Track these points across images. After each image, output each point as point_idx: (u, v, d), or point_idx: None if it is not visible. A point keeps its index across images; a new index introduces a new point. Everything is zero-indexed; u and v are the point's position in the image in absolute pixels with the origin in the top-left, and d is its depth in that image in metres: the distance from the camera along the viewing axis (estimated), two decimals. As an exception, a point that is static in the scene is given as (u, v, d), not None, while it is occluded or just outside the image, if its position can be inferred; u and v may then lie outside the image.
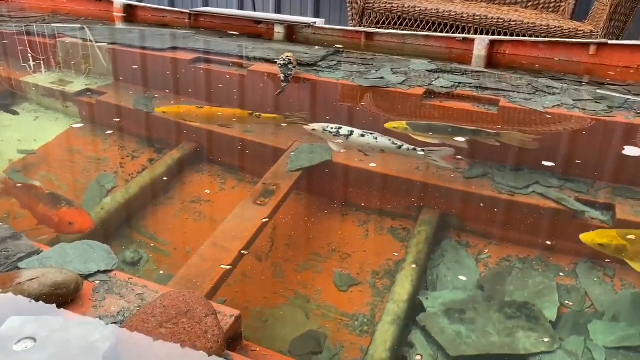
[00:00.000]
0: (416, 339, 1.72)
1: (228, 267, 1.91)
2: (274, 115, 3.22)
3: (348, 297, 2.04)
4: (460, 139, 2.80)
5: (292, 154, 2.72)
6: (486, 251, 2.19)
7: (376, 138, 2.69)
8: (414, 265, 2.03)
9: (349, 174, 2.71)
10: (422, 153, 2.64)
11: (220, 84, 3.80)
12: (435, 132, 2.96)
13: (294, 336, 1.84)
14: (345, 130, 2.72)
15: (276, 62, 3.69)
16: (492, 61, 4.30)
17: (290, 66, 3.58)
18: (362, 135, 2.69)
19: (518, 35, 4.73)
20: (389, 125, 2.93)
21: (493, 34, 4.79)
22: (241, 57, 4.18)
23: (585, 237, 1.98)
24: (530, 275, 1.99)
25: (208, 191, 2.70)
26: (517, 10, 5.28)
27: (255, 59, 4.03)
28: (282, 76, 3.49)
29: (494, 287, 1.92)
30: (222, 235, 2.10)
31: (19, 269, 1.35)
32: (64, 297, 1.23)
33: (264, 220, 2.22)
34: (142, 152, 2.96)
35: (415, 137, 2.84)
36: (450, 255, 2.14)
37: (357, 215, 2.51)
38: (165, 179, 2.69)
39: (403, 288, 1.91)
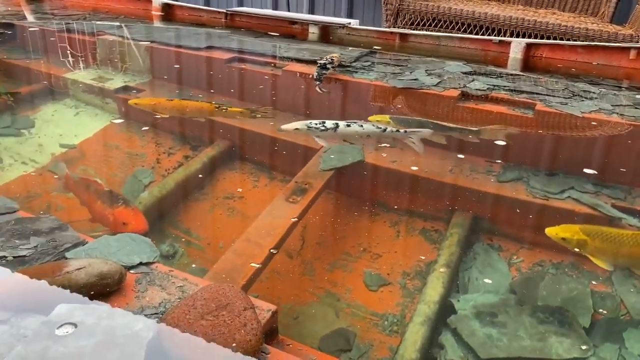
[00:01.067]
0: (446, 341, 1.73)
1: (259, 266, 1.94)
2: (241, 109, 3.29)
3: (378, 296, 2.06)
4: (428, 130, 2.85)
5: (325, 153, 2.75)
6: (518, 255, 2.18)
7: (362, 126, 2.74)
8: (445, 267, 2.04)
9: (381, 174, 2.72)
10: (403, 133, 2.74)
11: (255, 83, 3.85)
12: (416, 126, 3.02)
13: (324, 333, 1.87)
14: (330, 123, 2.73)
15: (317, 61, 3.74)
16: (528, 64, 4.24)
17: (328, 66, 3.62)
18: (348, 125, 2.72)
19: (555, 38, 4.65)
20: (372, 118, 3.03)
21: (529, 37, 4.73)
22: (276, 57, 4.23)
23: (550, 231, 2.01)
24: (563, 280, 1.97)
25: (240, 189, 2.75)
26: (554, 13, 5.20)
27: (289, 59, 4.07)
28: (315, 74, 3.52)
29: (526, 292, 1.91)
30: (255, 232, 2.13)
31: (66, 258, 1.41)
32: (108, 286, 1.28)
33: (294, 220, 2.24)
34: (178, 149, 3.02)
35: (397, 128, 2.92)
36: (482, 258, 2.14)
37: (389, 215, 2.52)
38: (200, 175, 2.75)
39: (434, 289, 1.92)
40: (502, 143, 2.88)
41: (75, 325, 1.15)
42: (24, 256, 1.41)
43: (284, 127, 2.75)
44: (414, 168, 2.68)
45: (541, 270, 2.08)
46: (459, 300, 1.88)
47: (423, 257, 2.21)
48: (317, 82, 3.45)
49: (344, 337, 1.87)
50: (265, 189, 2.78)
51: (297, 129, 2.73)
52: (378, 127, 2.78)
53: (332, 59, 3.68)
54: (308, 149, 2.84)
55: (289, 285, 2.17)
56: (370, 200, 2.66)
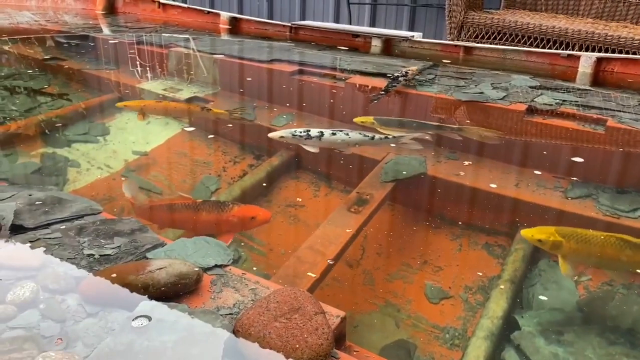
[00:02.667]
0: (510, 357, 1.71)
1: (318, 275, 1.97)
2: (223, 110, 3.44)
3: (439, 309, 2.06)
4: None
5: (386, 164, 2.77)
6: (586, 273, 2.12)
7: (347, 134, 2.73)
8: (509, 283, 2.02)
9: (443, 187, 2.71)
10: (392, 139, 2.77)
11: (319, 95, 3.92)
12: (399, 126, 3.08)
13: (384, 343, 1.88)
14: (315, 132, 2.74)
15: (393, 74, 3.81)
16: (598, 79, 4.12)
17: (400, 78, 3.64)
18: (334, 134, 2.72)
19: (627, 52, 4.50)
20: (357, 119, 3.06)
21: (599, 51, 4.60)
22: (339, 69, 4.30)
23: (526, 233, 1.97)
24: (635, 301, 1.91)
25: (301, 198, 2.81)
26: (626, 27, 5.02)
27: (352, 71, 4.13)
28: (385, 85, 3.56)
29: (595, 311, 1.87)
30: (318, 240, 2.17)
31: (147, 258, 1.50)
32: (187, 286, 1.36)
33: (355, 230, 2.26)
34: (243, 157, 3.12)
35: (381, 130, 2.94)
36: (548, 275, 2.10)
37: (451, 229, 2.51)
38: (264, 184, 2.83)
39: (498, 304, 1.90)
40: (493, 143, 2.97)
41: (149, 318, 1.23)
42: (109, 255, 1.51)
43: (270, 135, 2.81)
44: (477, 181, 2.66)
45: (611, 289, 2.02)
46: (522, 317, 1.86)
47: (485, 272, 2.20)
48: (382, 93, 3.47)
49: (405, 349, 1.88)
50: (326, 199, 2.83)
51: (282, 136, 2.78)
52: (365, 135, 2.76)
53: (406, 72, 3.70)
54: (369, 160, 2.87)
55: (349, 294, 2.20)
56: (431, 213, 2.66)
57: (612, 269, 1.98)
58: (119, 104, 3.53)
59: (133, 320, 1.24)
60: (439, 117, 3.39)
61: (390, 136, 2.80)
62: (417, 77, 3.87)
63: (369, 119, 3.09)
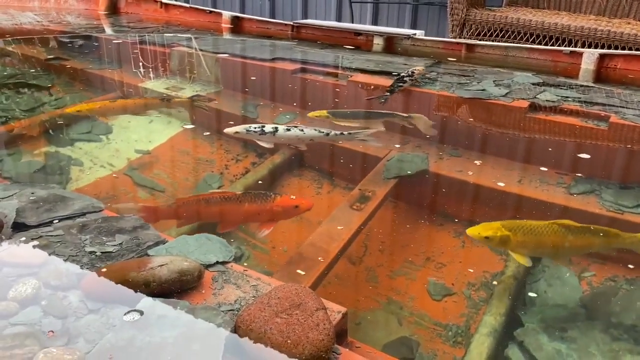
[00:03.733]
0: (513, 354, 1.70)
1: (322, 271, 1.98)
2: (184, 99, 3.47)
3: (442, 306, 2.05)
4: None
5: (388, 162, 2.76)
6: (590, 269, 2.11)
7: (302, 130, 2.74)
8: (512, 279, 2.01)
9: (445, 184, 2.71)
10: (347, 135, 2.76)
11: (321, 93, 3.92)
12: (353, 117, 3.11)
13: (387, 340, 1.88)
14: (269, 127, 2.75)
15: (392, 73, 3.81)
16: (601, 76, 4.11)
17: (406, 78, 3.63)
18: (288, 130, 2.73)
19: (630, 49, 4.48)
20: (311, 114, 3.08)
21: (602, 47, 4.58)
22: (341, 67, 4.29)
23: (472, 231, 1.95)
24: (639, 297, 1.90)
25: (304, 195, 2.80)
26: (629, 23, 5.00)
27: (354, 69, 4.12)
28: (391, 85, 3.55)
29: (598, 307, 1.86)
30: (320, 237, 2.17)
31: (149, 255, 1.50)
32: (188, 283, 1.36)
33: (357, 227, 2.27)
34: (246, 155, 3.12)
35: (336, 123, 2.97)
36: (551, 271, 2.09)
37: (453, 225, 2.51)
38: (262, 182, 2.81)
39: (501, 301, 1.90)
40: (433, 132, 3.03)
41: (141, 312, 1.25)
42: (111, 252, 1.51)
43: (226, 130, 2.82)
44: (479, 178, 2.66)
45: (614, 285, 2.01)
46: (525, 313, 1.85)
47: (489, 268, 2.19)
48: (387, 93, 3.46)
49: (407, 346, 1.87)
50: (328, 196, 2.82)
51: (237, 132, 2.79)
52: (321, 131, 2.76)
53: (412, 72, 3.69)
54: (371, 157, 2.86)
55: (352, 291, 2.19)
56: (433, 210, 2.65)
57: (558, 256, 1.99)
58: (70, 109, 3.38)
59: (125, 314, 1.25)
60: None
61: (346, 132, 2.80)
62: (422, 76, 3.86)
63: (323, 112, 3.12)
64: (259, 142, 2.76)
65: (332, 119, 3.03)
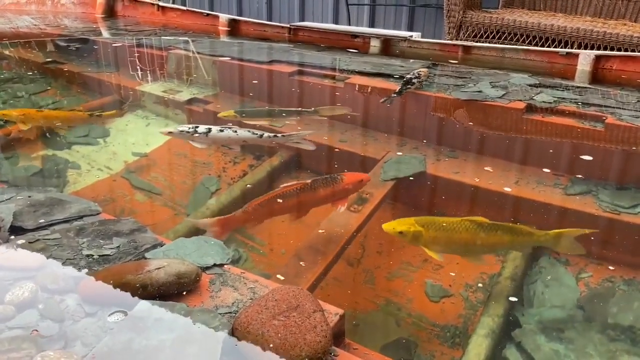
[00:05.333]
0: (511, 354, 1.71)
1: (320, 273, 1.98)
2: (113, 112, 3.46)
3: (440, 307, 2.05)
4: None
5: (386, 163, 2.77)
6: (587, 270, 2.12)
7: (236, 131, 2.74)
8: (510, 280, 2.01)
9: (442, 185, 2.71)
10: (281, 137, 2.78)
11: (318, 95, 3.93)
12: (260, 115, 3.19)
13: (384, 342, 1.88)
14: (202, 128, 2.75)
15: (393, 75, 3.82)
16: (597, 77, 4.12)
17: (414, 80, 3.62)
18: (221, 131, 2.73)
19: (626, 50, 4.50)
20: (220, 115, 3.12)
21: (598, 49, 4.59)
22: (338, 70, 4.30)
23: (387, 227, 1.96)
24: (636, 297, 1.90)
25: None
26: (625, 24, 5.02)
27: (351, 71, 4.13)
28: (399, 87, 3.55)
29: (596, 308, 1.86)
30: (317, 239, 2.18)
31: (146, 258, 1.50)
32: (185, 285, 1.36)
33: (353, 229, 2.28)
34: (243, 158, 3.12)
35: (245, 122, 3.01)
36: (548, 272, 2.10)
37: (451, 227, 2.51)
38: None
39: (498, 302, 1.90)
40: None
41: (125, 313, 1.26)
42: (108, 255, 1.51)
43: (161, 130, 2.88)
44: (475, 180, 2.66)
45: (611, 286, 2.01)
46: (523, 314, 1.85)
47: (486, 269, 2.19)
48: (394, 95, 3.45)
49: (405, 347, 1.87)
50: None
51: (170, 132, 2.81)
52: (254, 133, 2.76)
53: (419, 74, 3.69)
54: (368, 159, 2.87)
55: (350, 293, 2.19)
56: (431, 211, 2.65)
57: (471, 253, 1.98)
58: None
59: (109, 315, 1.25)
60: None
61: (280, 135, 2.81)
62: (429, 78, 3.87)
63: (230, 112, 3.16)
64: (192, 143, 2.76)
65: (239, 118, 3.07)
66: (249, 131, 2.79)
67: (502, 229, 1.94)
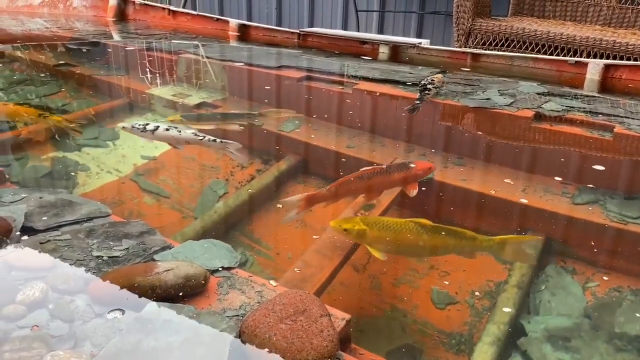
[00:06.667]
0: (516, 363, 1.71)
1: (326, 278, 1.99)
2: (59, 117, 3.45)
3: (446, 315, 2.05)
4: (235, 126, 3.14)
5: (393, 171, 2.77)
6: (594, 279, 2.11)
7: (180, 131, 2.85)
8: (516, 288, 2.01)
9: (450, 192, 2.71)
10: (219, 143, 2.86)
11: (326, 101, 3.94)
12: (206, 120, 3.30)
13: (389, 348, 1.88)
14: (151, 125, 2.88)
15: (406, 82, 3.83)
16: (606, 86, 4.11)
17: (429, 86, 3.64)
18: (167, 130, 2.86)
19: (636, 59, 4.49)
20: (168, 118, 3.24)
21: (607, 58, 4.59)
22: (347, 76, 4.32)
23: (334, 224, 1.99)
24: (643, 308, 1.90)
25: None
26: (634, 34, 5.01)
27: (360, 78, 4.14)
28: (418, 94, 3.59)
29: (602, 317, 1.86)
30: (324, 244, 2.18)
31: (155, 260, 1.51)
32: (193, 288, 1.37)
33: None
34: (251, 162, 3.13)
35: (192, 126, 3.08)
36: (555, 280, 2.09)
37: (457, 234, 2.51)
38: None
39: (504, 310, 1.90)
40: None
41: (123, 311, 1.28)
42: (117, 257, 1.53)
43: (119, 124, 3.03)
44: (483, 187, 2.66)
45: (619, 295, 2.01)
46: (529, 322, 1.85)
47: (492, 277, 2.19)
48: (417, 102, 3.46)
49: (410, 354, 1.87)
50: (333, 204, 2.83)
51: (124, 127, 2.96)
52: (197, 135, 2.87)
53: (432, 80, 3.70)
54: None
55: (355, 298, 2.20)
56: (438, 218, 2.65)
57: (415, 255, 2.04)
58: None
59: (108, 313, 1.28)
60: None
61: (218, 140, 2.90)
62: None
63: (177, 116, 3.28)
64: (140, 139, 2.94)
65: (185, 122, 3.16)
66: (193, 132, 2.92)
67: (446, 232, 1.97)
